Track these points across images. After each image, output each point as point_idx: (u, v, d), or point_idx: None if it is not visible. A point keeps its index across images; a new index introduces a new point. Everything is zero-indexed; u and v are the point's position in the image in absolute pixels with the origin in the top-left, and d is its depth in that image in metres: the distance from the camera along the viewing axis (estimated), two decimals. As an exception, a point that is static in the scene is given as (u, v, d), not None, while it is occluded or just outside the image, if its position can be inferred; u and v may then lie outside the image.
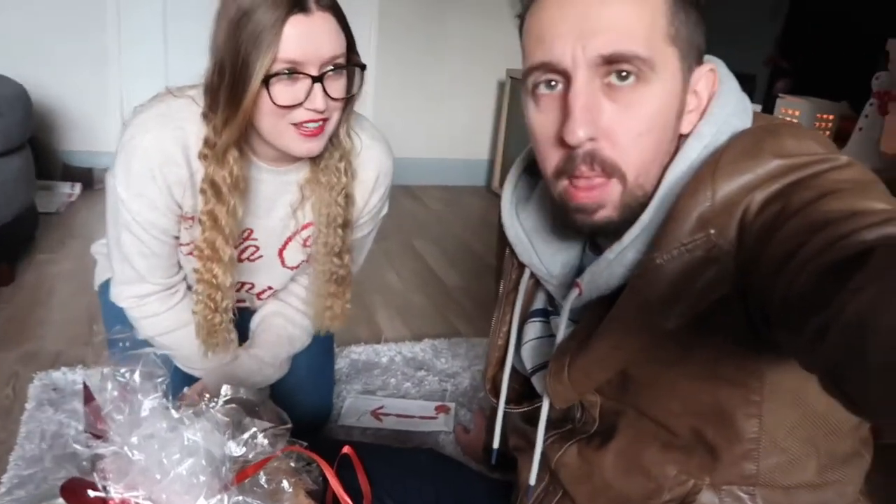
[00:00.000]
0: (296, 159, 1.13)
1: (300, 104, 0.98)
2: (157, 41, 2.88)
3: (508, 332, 0.89)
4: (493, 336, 0.92)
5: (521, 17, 0.70)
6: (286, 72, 0.96)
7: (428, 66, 3.36)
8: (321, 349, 1.41)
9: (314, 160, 1.15)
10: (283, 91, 0.97)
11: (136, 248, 1.13)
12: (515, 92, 3.15)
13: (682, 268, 0.63)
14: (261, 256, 1.23)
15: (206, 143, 1.04)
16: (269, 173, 1.14)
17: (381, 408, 1.52)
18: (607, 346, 0.71)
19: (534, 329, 0.88)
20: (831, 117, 1.82)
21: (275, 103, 0.97)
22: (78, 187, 2.82)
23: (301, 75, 0.97)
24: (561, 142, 0.65)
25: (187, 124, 1.05)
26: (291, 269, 1.27)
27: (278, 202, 1.18)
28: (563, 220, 0.71)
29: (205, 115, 1.04)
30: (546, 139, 0.68)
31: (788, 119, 0.72)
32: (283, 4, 0.94)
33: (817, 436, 0.71)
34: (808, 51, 2.02)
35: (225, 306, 1.16)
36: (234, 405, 0.71)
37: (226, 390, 0.74)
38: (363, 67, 1.05)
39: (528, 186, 0.86)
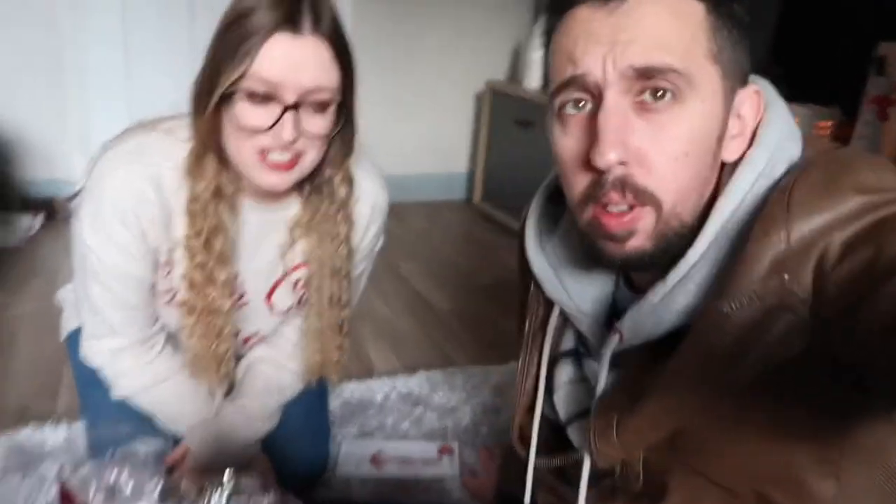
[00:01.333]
0: (282, 196, 1.03)
1: (267, 129, 0.88)
2: (117, 64, 2.74)
3: (537, 374, 0.83)
4: (520, 379, 0.85)
5: (549, 35, 0.65)
6: (259, 92, 0.86)
7: (402, 78, 3.26)
8: (314, 394, 1.30)
9: (305, 198, 1.05)
10: (251, 112, 0.88)
11: (108, 300, 1.02)
12: (495, 103, 3.07)
13: (754, 318, 0.56)
14: (247, 303, 1.12)
15: (193, 158, 0.95)
16: (254, 211, 1.04)
17: (379, 452, 1.41)
18: (663, 404, 0.64)
19: (565, 371, 0.82)
20: (830, 124, 1.77)
21: (236, 122, 0.88)
22: (39, 219, 2.67)
23: (274, 100, 0.87)
24: (589, 165, 0.60)
25: (161, 160, 0.95)
26: (280, 314, 1.17)
27: (264, 243, 1.07)
28: (591, 251, 0.66)
29: (192, 127, 0.95)
30: (572, 163, 0.63)
31: (842, 145, 0.66)
32: (274, 18, 0.85)
33: None
34: (800, 56, 1.97)
35: (227, 332, 1.06)
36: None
37: (229, 476, 0.64)
38: (347, 109, 0.94)
39: (553, 217, 0.80)
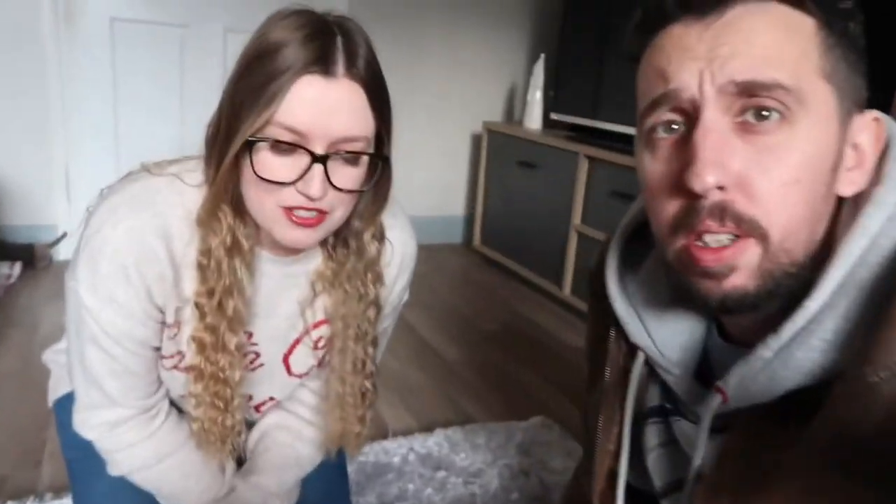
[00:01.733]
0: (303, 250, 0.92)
1: (291, 183, 0.77)
2: (105, 105, 2.63)
3: (620, 434, 0.74)
4: (601, 439, 0.76)
5: (637, 58, 0.60)
6: (285, 141, 0.76)
7: (398, 121, 3.18)
8: (333, 465, 1.16)
9: (331, 250, 0.94)
10: (275, 162, 0.77)
11: (107, 367, 0.89)
12: (493, 145, 3.00)
13: None
14: (262, 365, 1.00)
15: (205, 207, 0.84)
16: (272, 264, 0.92)
17: (404, 526, 1.28)
18: (795, 489, 0.54)
19: (654, 433, 0.74)
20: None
21: (256, 173, 0.77)
22: (17, 267, 2.51)
23: (301, 150, 0.76)
24: (681, 190, 0.54)
25: (169, 209, 0.84)
26: (298, 376, 1.05)
27: (283, 299, 0.96)
28: (680, 289, 0.59)
29: (205, 173, 0.84)
30: (662, 187, 0.57)
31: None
32: (303, 57, 0.74)
33: None
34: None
35: (237, 405, 0.94)
36: None
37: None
38: (384, 160, 0.84)
39: (636, 256, 0.73)
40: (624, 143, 2.45)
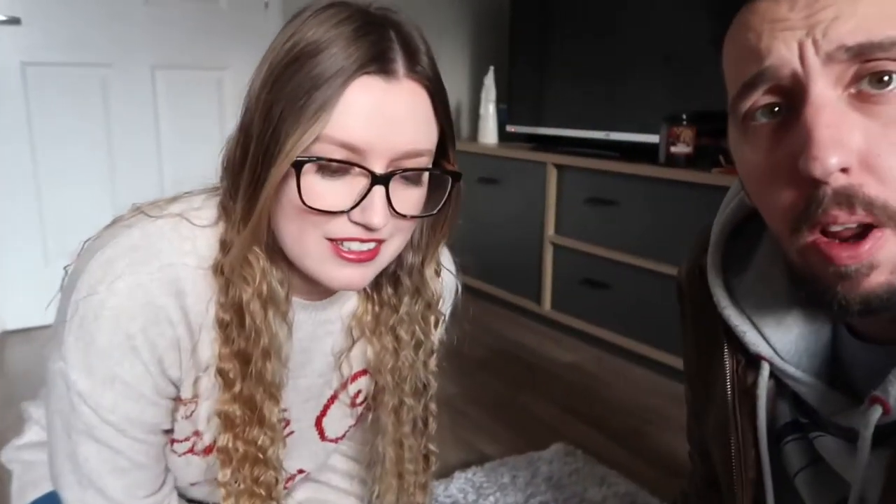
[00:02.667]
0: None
1: (345, 211, 0.62)
2: (21, 160, 2.34)
3: (758, 457, 0.66)
4: (736, 467, 0.68)
5: (719, 40, 0.54)
6: (340, 160, 0.61)
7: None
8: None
9: (367, 289, 0.79)
10: (323, 187, 0.62)
11: (109, 465, 0.71)
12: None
13: None
14: (291, 433, 0.82)
15: (224, 247, 0.67)
16: (302, 310, 0.76)
17: None
18: None
19: (796, 453, 0.66)
20: None
21: (304, 202, 0.61)
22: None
23: (358, 169, 0.62)
24: (796, 178, 0.48)
25: (179, 258, 0.66)
26: (333, 441, 0.88)
27: (316, 351, 0.79)
28: (810, 292, 0.52)
29: (224, 207, 0.68)
30: (771, 180, 0.51)
31: None
32: (356, 57, 0.60)
33: None
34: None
35: (280, 490, 0.76)
36: None
37: None
38: (457, 177, 0.69)
39: (740, 255, 0.67)
40: (592, 148, 2.38)
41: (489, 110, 2.79)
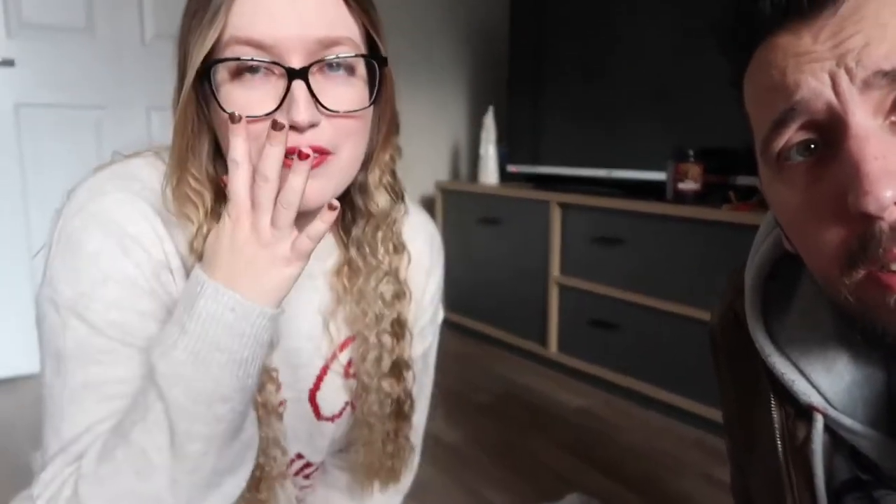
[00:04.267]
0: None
1: (269, 114, 0.59)
2: (12, 202, 2.29)
3: None
4: None
5: (739, 79, 0.53)
6: (247, 60, 0.59)
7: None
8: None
9: (345, 235, 0.75)
10: (242, 95, 0.60)
11: (99, 388, 0.61)
12: (448, 205, 2.84)
13: None
14: (282, 402, 0.75)
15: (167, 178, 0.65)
16: None
17: None
18: None
19: None
20: None
21: (222, 109, 0.59)
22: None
23: (274, 67, 0.59)
24: (845, 216, 0.45)
25: (157, 185, 0.65)
26: (329, 420, 0.80)
27: (301, 309, 0.74)
28: (866, 329, 0.48)
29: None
30: (814, 219, 0.48)
31: None
32: None
33: None
34: None
35: (280, 472, 0.73)
36: None
37: None
38: (382, 62, 0.66)
39: (778, 297, 0.62)
40: (596, 186, 2.35)
41: (489, 150, 2.76)
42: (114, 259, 0.61)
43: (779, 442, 0.62)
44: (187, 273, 0.64)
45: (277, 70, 0.59)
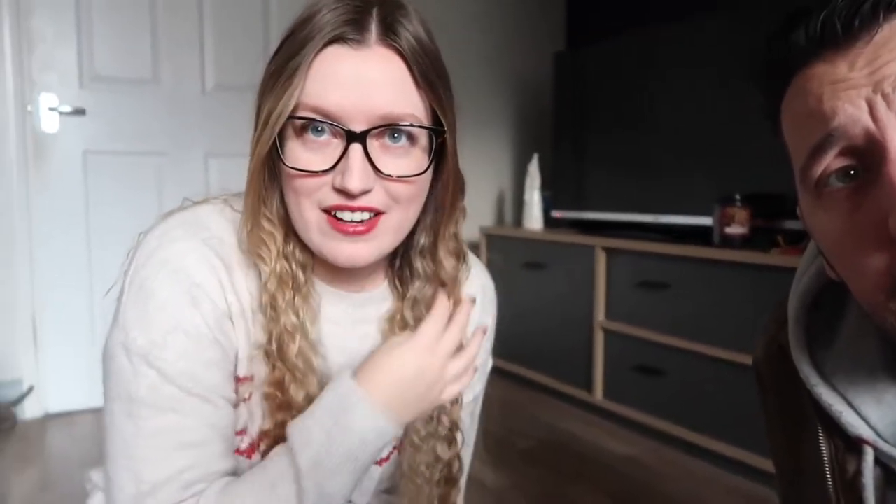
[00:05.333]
0: (370, 279, 0.76)
1: (325, 171, 0.63)
2: (77, 239, 2.41)
3: None
4: None
5: (775, 111, 0.53)
6: (307, 117, 0.62)
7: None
8: None
9: (401, 286, 0.77)
10: (305, 153, 0.63)
11: (173, 438, 0.64)
12: (492, 250, 2.87)
13: None
14: None
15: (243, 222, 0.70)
16: (336, 300, 0.74)
17: None
18: None
19: None
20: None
21: (285, 163, 0.63)
22: (-24, 432, 2.19)
23: (336, 130, 0.62)
24: (887, 241, 0.45)
25: (225, 234, 0.69)
26: (378, 464, 0.81)
27: (356, 354, 0.75)
28: None
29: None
30: (857, 246, 0.47)
31: None
32: (329, 25, 0.62)
33: None
34: None
35: None
36: None
37: None
38: (440, 133, 0.68)
39: (823, 328, 0.61)
40: (641, 231, 2.35)
41: (534, 196, 2.79)
42: (182, 309, 0.64)
43: (828, 476, 0.60)
44: (246, 321, 0.68)
45: (339, 133, 0.62)
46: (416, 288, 0.75)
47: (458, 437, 0.79)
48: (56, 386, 2.38)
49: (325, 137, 0.63)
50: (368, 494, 0.84)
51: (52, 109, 2.33)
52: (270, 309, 0.67)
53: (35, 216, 2.36)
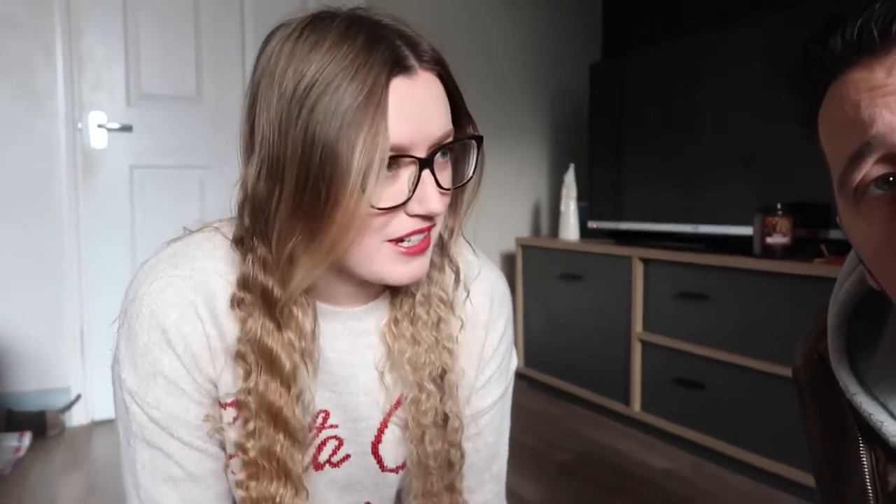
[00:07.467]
0: (372, 292, 0.75)
1: (404, 203, 0.63)
2: (123, 251, 2.49)
3: None
4: None
5: (812, 118, 0.53)
6: (400, 155, 0.62)
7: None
8: None
9: (392, 292, 0.77)
10: (384, 189, 0.63)
11: (161, 472, 0.70)
12: (527, 261, 2.87)
13: None
14: (347, 456, 0.78)
15: (243, 284, 0.68)
16: (340, 320, 0.74)
17: None
18: None
19: None
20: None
21: (374, 207, 0.61)
22: (27, 438, 2.25)
23: (406, 159, 0.63)
24: None
25: (210, 262, 0.70)
26: (394, 471, 0.81)
27: (359, 365, 0.76)
28: None
29: (237, 243, 0.69)
30: None
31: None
32: (377, 63, 0.61)
33: None
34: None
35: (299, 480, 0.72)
36: None
37: None
38: (479, 140, 0.70)
39: (864, 337, 0.60)
40: (679, 242, 2.32)
41: (570, 207, 2.79)
42: (160, 355, 0.68)
43: (869, 487, 0.59)
44: (228, 354, 0.69)
45: (408, 163, 0.63)
46: (425, 282, 0.76)
47: (455, 425, 0.79)
48: (102, 394, 2.44)
49: (393, 171, 0.63)
50: (390, 500, 0.84)
51: (100, 126, 2.42)
52: (262, 354, 0.68)
53: (83, 229, 2.44)
